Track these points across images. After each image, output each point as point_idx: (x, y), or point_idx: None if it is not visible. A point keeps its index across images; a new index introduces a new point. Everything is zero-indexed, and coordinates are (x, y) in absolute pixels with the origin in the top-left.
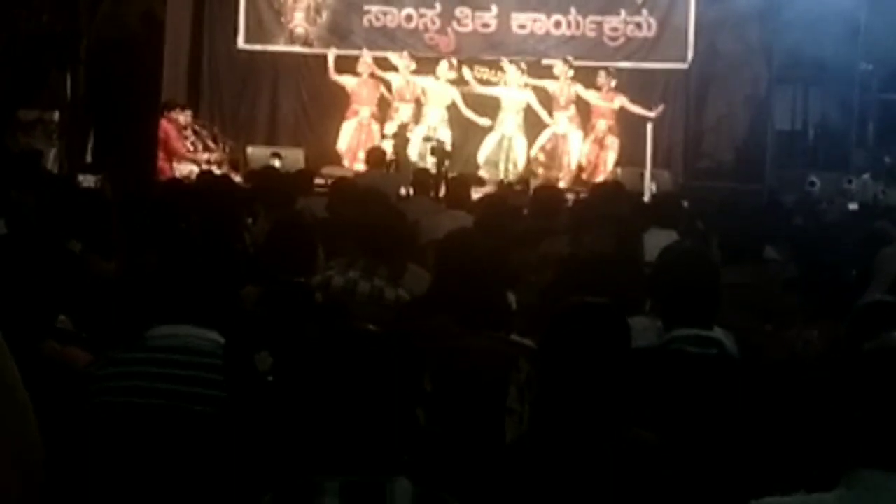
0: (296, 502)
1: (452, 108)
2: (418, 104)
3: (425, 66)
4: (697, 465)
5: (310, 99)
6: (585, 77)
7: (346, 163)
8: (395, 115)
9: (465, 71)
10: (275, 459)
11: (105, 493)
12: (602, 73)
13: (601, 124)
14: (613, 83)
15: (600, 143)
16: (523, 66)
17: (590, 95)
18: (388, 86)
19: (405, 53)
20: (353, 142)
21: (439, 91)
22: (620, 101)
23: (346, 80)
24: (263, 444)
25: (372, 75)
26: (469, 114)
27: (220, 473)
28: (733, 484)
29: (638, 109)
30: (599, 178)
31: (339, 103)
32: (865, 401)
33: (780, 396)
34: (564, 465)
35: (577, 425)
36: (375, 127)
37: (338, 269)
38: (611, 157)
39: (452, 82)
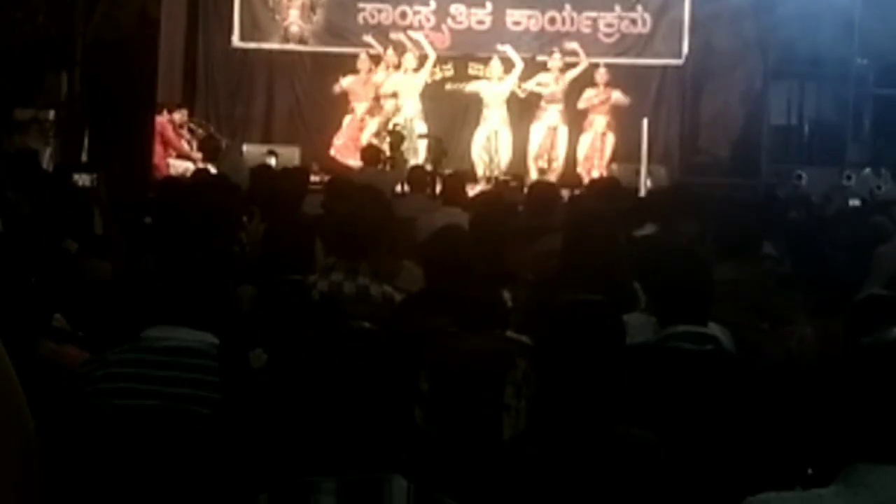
0: (292, 502)
1: (426, 100)
2: (395, 96)
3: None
4: (694, 461)
5: (305, 97)
6: (580, 73)
7: (339, 157)
8: (381, 111)
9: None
10: (271, 459)
11: (101, 493)
12: (602, 70)
13: (599, 121)
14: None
15: (600, 139)
16: (512, 58)
17: (588, 93)
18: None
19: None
20: (347, 138)
21: (409, 82)
22: (616, 95)
23: (347, 81)
24: (259, 443)
25: (368, 72)
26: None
27: (216, 474)
28: (729, 480)
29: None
30: (594, 174)
31: (333, 101)
32: (863, 395)
33: (776, 392)
34: (561, 462)
35: (573, 422)
36: (371, 122)
37: (320, 275)
38: (607, 153)
39: (417, 71)
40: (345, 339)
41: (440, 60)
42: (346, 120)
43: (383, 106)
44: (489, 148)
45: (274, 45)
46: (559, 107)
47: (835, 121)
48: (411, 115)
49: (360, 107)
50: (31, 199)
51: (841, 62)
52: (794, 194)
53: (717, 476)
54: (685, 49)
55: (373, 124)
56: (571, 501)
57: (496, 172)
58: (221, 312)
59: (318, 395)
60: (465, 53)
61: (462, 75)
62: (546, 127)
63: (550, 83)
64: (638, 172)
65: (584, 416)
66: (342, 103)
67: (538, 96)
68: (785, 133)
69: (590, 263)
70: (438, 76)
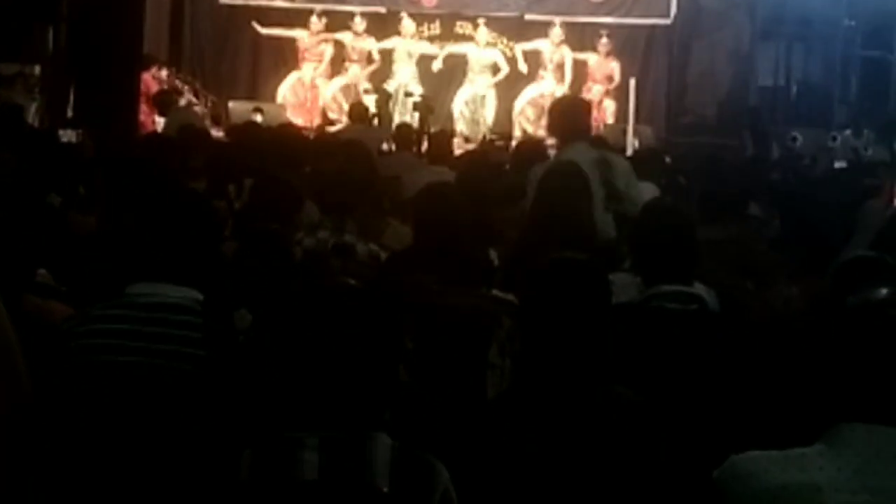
0: (275, 458)
1: (422, 62)
2: (368, 62)
3: (376, 24)
4: (678, 421)
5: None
6: (574, 35)
7: (291, 118)
8: (345, 73)
9: (424, 42)
10: (254, 415)
11: (84, 449)
12: (605, 38)
13: (597, 89)
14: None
15: (596, 107)
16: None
17: (589, 58)
18: (339, 45)
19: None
20: (299, 97)
21: (406, 47)
22: (615, 66)
23: (298, 34)
24: (243, 399)
25: (321, 33)
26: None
27: (199, 430)
28: (714, 439)
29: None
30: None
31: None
32: (848, 356)
33: (761, 352)
34: (545, 420)
35: (558, 381)
36: (321, 82)
37: (306, 231)
38: (608, 119)
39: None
40: (329, 295)
41: (428, 18)
42: (291, 79)
43: (348, 68)
44: (473, 110)
45: (261, 2)
46: (555, 74)
47: (822, 82)
48: (406, 81)
49: (308, 66)
50: (16, 154)
51: (829, 23)
52: (787, 156)
53: (700, 435)
54: (673, 9)
55: (335, 83)
56: (555, 461)
57: (481, 134)
58: (206, 268)
59: (303, 351)
60: (452, 12)
61: (448, 34)
62: (540, 91)
63: (547, 52)
64: (625, 132)
65: (568, 376)
66: (290, 56)
67: (536, 68)
68: (772, 94)
69: (553, 219)
70: (426, 34)
